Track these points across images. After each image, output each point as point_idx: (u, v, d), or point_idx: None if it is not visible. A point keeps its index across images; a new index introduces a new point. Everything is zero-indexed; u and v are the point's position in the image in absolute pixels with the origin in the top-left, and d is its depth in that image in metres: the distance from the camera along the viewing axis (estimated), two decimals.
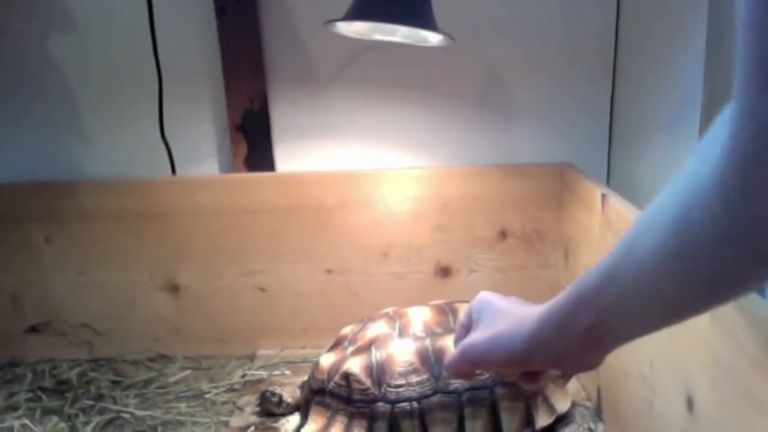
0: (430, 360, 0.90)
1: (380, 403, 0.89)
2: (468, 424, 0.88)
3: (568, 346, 0.53)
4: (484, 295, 0.64)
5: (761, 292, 0.92)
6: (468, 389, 0.89)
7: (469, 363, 0.60)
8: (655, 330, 0.49)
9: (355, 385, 0.90)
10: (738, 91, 0.35)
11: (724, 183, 0.36)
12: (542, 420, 0.90)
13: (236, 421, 1.00)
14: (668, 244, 0.42)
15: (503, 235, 1.18)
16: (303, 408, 0.97)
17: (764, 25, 0.34)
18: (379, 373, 0.90)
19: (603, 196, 0.95)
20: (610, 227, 0.93)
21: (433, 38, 0.99)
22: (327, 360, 0.95)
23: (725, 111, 0.37)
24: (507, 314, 0.59)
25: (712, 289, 0.42)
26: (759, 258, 0.37)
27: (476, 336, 0.60)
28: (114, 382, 1.14)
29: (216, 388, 1.11)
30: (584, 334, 0.51)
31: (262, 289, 1.20)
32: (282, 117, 1.22)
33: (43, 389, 1.12)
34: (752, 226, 0.36)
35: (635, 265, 0.45)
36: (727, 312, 0.61)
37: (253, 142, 1.20)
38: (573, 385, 1.03)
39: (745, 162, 0.35)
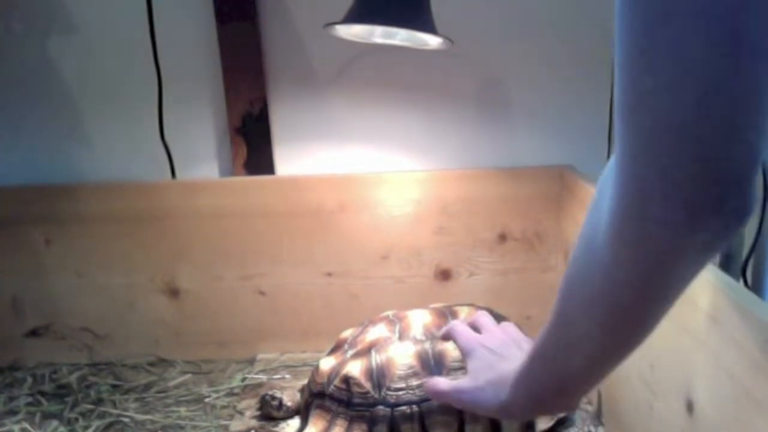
0: (430, 363, 0.90)
1: (380, 407, 0.89)
2: (468, 427, 0.88)
3: (539, 402, 0.61)
4: (475, 345, 0.74)
5: (760, 294, 0.92)
6: None
7: (455, 403, 0.73)
8: (610, 366, 0.54)
9: (355, 389, 0.90)
10: (617, 156, 0.41)
11: (611, 240, 0.43)
12: (542, 423, 0.90)
13: (236, 425, 1.00)
14: (580, 286, 0.49)
15: (503, 237, 1.18)
16: (303, 412, 0.97)
17: (648, 125, 0.38)
18: (379, 376, 0.90)
19: None
20: None
21: (432, 41, 0.99)
22: (327, 364, 0.95)
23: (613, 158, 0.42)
24: (491, 369, 0.68)
25: (627, 328, 0.48)
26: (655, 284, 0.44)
27: (465, 384, 0.70)
28: (114, 386, 1.14)
29: (216, 392, 1.11)
30: (549, 391, 0.59)
31: (261, 293, 1.19)
32: (282, 120, 1.22)
33: (42, 393, 1.12)
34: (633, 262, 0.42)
35: (566, 315, 0.52)
36: (726, 313, 0.60)
37: (253, 145, 1.20)
38: None
39: (623, 228, 0.42)
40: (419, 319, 0.95)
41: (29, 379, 1.16)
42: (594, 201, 0.46)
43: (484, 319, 0.81)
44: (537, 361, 0.59)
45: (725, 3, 0.34)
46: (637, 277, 0.43)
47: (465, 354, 0.75)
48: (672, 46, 0.35)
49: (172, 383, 1.14)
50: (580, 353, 0.53)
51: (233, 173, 1.22)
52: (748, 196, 0.38)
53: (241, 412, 1.03)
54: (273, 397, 0.99)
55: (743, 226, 0.40)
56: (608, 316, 0.48)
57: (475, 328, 0.80)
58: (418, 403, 0.88)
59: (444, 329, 0.85)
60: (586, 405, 1.02)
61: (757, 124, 0.37)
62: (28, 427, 1.03)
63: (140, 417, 1.04)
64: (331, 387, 0.92)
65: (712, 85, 0.35)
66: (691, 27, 0.34)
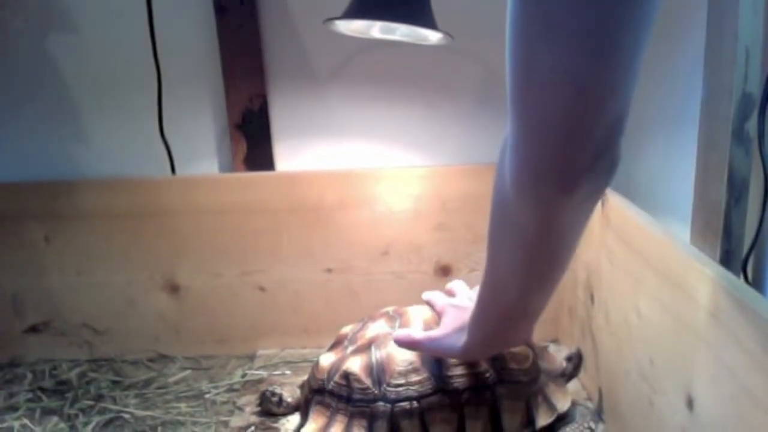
0: (430, 359, 0.90)
1: (380, 403, 0.89)
2: (468, 423, 0.88)
3: (490, 339, 0.73)
4: (446, 305, 0.86)
5: (761, 290, 0.92)
6: (468, 388, 0.89)
7: (427, 351, 0.84)
8: (538, 299, 0.66)
9: (355, 385, 0.90)
10: (511, 131, 0.50)
11: (514, 195, 0.54)
12: (543, 419, 0.90)
13: (236, 421, 1.00)
14: (500, 229, 0.62)
15: None
16: (303, 408, 0.97)
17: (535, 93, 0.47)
18: (379, 372, 0.90)
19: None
20: (609, 226, 0.93)
21: (432, 36, 0.99)
22: (327, 359, 0.95)
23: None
24: (457, 320, 0.79)
25: (538, 262, 0.60)
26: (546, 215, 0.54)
27: (435, 333, 0.81)
28: (114, 382, 1.14)
29: (216, 388, 1.11)
30: (495, 327, 0.71)
31: (261, 289, 1.19)
32: (282, 116, 1.21)
33: (42, 389, 1.12)
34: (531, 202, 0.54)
35: (493, 259, 0.66)
36: (727, 310, 0.60)
37: (252, 141, 1.20)
38: (573, 384, 1.03)
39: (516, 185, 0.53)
40: (419, 315, 0.95)
41: (29, 376, 1.16)
42: (499, 163, 0.56)
43: (458, 286, 0.93)
44: (480, 304, 0.70)
45: (598, 23, 0.42)
46: (537, 221, 0.55)
47: (440, 315, 0.86)
48: (552, 56, 0.44)
49: (172, 379, 1.14)
50: (509, 289, 0.65)
51: (233, 169, 1.22)
52: (615, 156, 0.50)
53: (241, 408, 1.03)
54: (273, 393, 0.99)
55: (613, 178, 0.51)
56: (522, 253, 0.60)
57: (452, 294, 0.92)
58: (418, 399, 0.88)
59: (425, 299, 0.94)
60: (587, 401, 1.02)
61: (619, 104, 0.47)
62: (28, 423, 1.03)
63: (140, 413, 1.04)
64: (331, 383, 0.92)
65: (584, 83, 0.44)
66: (566, 40, 0.43)
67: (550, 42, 0.44)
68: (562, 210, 0.53)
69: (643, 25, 0.44)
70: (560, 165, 0.49)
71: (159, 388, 1.12)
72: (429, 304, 0.93)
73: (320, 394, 0.93)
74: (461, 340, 0.75)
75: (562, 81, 0.45)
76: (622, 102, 0.47)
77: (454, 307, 0.84)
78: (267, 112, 1.20)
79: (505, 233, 0.60)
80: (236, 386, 1.11)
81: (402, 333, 0.84)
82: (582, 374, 1.03)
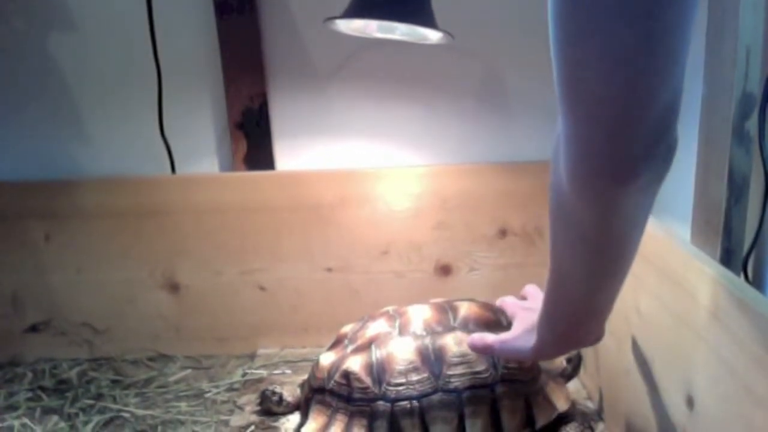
0: (430, 358, 0.90)
1: (380, 402, 0.89)
2: (468, 422, 0.88)
3: (561, 338, 0.70)
4: (518, 309, 0.84)
5: (761, 289, 0.92)
6: (468, 387, 0.89)
7: (499, 353, 0.82)
8: (606, 294, 0.63)
9: (356, 384, 0.90)
10: (562, 126, 0.50)
11: (571, 193, 0.53)
12: (543, 419, 0.90)
13: (236, 420, 1.00)
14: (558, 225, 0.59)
15: (503, 232, 1.18)
16: (303, 407, 0.97)
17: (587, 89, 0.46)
18: (379, 371, 0.90)
19: None
20: None
21: (432, 36, 0.99)
22: (327, 359, 0.95)
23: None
24: (527, 321, 0.77)
25: (601, 256, 0.58)
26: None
27: (506, 335, 0.79)
28: (114, 382, 1.14)
29: (216, 387, 1.11)
30: (564, 325, 0.68)
31: (262, 288, 1.19)
32: (282, 115, 1.21)
33: (43, 388, 1.12)
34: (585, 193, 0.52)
35: (556, 258, 0.62)
36: (727, 309, 0.60)
37: (253, 140, 1.20)
38: (574, 384, 1.02)
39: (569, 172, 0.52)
40: (419, 315, 0.95)
41: (29, 375, 1.16)
42: (553, 160, 0.55)
43: (530, 289, 0.90)
44: (547, 304, 0.68)
45: (645, 9, 0.42)
46: (596, 216, 0.54)
47: (511, 318, 0.84)
48: (599, 46, 0.44)
49: (172, 378, 1.14)
50: (574, 287, 0.63)
51: (233, 168, 1.22)
52: (671, 142, 0.48)
53: (241, 407, 1.03)
54: (273, 392, 0.99)
55: (671, 162, 0.49)
56: (583, 250, 0.58)
57: (525, 298, 0.90)
58: (418, 398, 0.88)
59: (498, 304, 0.91)
60: (587, 401, 1.02)
61: (671, 88, 0.46)
62: (29, 422, 1.03)
63: (140, 412, 1.04)
64: (332, 382, 0.92)
65: (635, 71, 0.44)
66: (614, 29, 0.43)
67: (596, 32, 0.43)
68: (620, 202, 0.51)
69: (688, 7, 0.44)
70: (616, 156, 0.48)
71: (159, 387, 1.12)
72: (502, 307, 0.90)
73: (320, 393, 0.93)
74: (531, 341, 0.74)
75: (612, 71, 0.44)
76: (674, 87, 0.46)
77: (524, 310, 0.83)
78: (267, 111, 1.20)
79: (566, 231, 0.59)
80: (236, 385, 1.11)
81: (476, 336, 0.82)
82: (582, 373, 1.03)
